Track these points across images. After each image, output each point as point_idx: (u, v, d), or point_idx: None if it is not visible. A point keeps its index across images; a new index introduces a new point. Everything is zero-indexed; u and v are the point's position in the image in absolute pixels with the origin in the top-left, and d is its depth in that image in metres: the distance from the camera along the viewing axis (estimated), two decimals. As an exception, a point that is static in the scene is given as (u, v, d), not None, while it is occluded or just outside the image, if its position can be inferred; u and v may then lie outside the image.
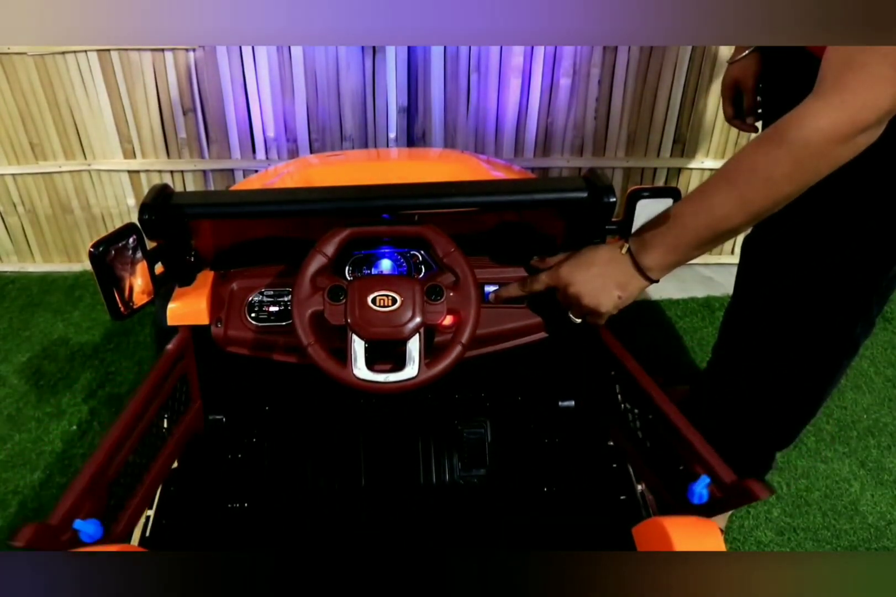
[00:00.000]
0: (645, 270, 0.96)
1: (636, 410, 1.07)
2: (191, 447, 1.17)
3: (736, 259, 1.32)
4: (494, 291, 1.12)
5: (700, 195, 0.91)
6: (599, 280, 0.98)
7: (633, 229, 1.08)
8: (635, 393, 1.04)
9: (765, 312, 1.26)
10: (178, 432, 1.12)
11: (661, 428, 0.99)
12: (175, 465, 1.17)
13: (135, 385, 1.83)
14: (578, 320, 1.05)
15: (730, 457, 1.43)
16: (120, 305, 1.01)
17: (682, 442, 0.93)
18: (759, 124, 1.31)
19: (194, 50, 1.92)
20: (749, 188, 0.87)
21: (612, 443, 1.18)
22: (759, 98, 1.27)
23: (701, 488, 0.87)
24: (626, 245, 0.98)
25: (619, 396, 1.12)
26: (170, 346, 1.09)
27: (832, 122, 0.79)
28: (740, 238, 1.33)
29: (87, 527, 0.83)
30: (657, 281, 0.98)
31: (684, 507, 0.89)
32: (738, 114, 1.30)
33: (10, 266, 2.32)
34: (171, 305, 1.10)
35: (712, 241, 0.92)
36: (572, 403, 1.25)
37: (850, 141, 0.80)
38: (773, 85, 1.19)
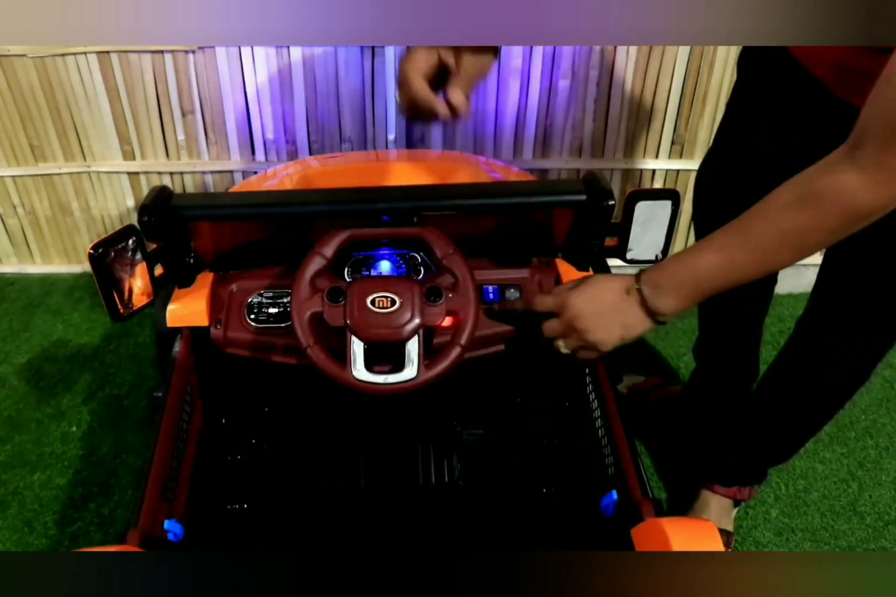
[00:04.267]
0: (655, 313, 0.92)
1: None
2: None
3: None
4: (497, 303, 1.11)
5: (721, 250, 0.87)
6: (610, 318, 0.94)
7: (632, 232, 1.09)
8: (598, 399, 1.06)
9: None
10: (192, 434, 1.13)
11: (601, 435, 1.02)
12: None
13: (135, 387, 1.83)
14: (565, 351, 1.00)
15: (724, 467, 1.44)
16: (119, 307, 1.02)
17: (615, 455, 0.96)
18: None
19: (193, 52, 1.93)
20: (776, 251, 0.83)
21: None
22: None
23: (609, 502, 0.91)
24: (637, 285, 0.93)
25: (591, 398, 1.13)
26: (178, 349, 1.10)
27: (873, 199, 0.75)
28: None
29: (174, 527, 0.88)
30: (664, 323, 0.94)
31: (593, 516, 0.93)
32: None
33: (10, 267, 2.32)
34: (170, 307, 1.11)
35: (726, 289, 0.89)
36: (570, 404, 1.26)
37: (889, 207, 0.77)
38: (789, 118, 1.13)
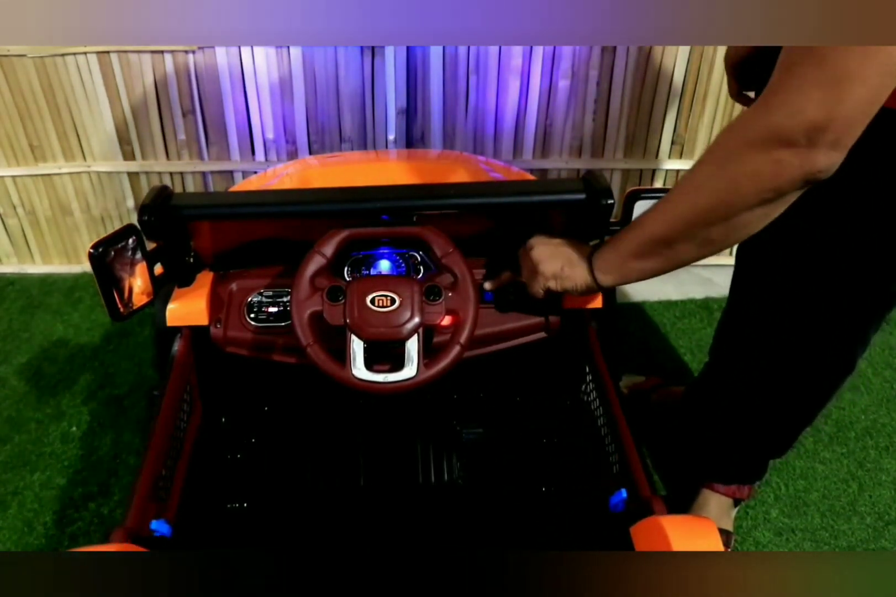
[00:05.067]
0: (591, 261, 0.96)
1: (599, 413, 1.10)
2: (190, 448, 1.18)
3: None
4: (490, 281, 1.13)
5: (651, 209, 0.90)
6: (557, 247, 1.01)
7: None
8: (600, 397, 1.07)
9: (761, 325, 1.24)
10: (189, 433, 1.13)
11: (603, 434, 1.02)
12: None
13: (135, 387, 1.83)
14: (521, 279, 1.06)
15: (723, 463, 1.44)
16: (119, 306, 1.02)
17: (620, 452, 0.97)
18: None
19: (193, 52, 1.93)
20: (678, 193, 0.84)
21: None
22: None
23: (618, 500, 0.93)
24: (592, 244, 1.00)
25: (592, 397, 1.13)
26: (178, 348, 1.10)
27: (748, 124, 0.74)
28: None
29: (161, 527, 0.89)
30: (598, 287, 0.97)
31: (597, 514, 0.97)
32: (743, 88, 1.23)
33: (10, 267, 2.32)
34: (170, 306, 1.11)
35: (648, 251, 0.89)
36: (570, 403, 1.26)
37: (769, 153, 0.72)
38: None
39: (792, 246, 1.11)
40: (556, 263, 1.00)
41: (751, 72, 1.21)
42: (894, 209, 0.98)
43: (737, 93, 1.25)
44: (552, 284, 1.01)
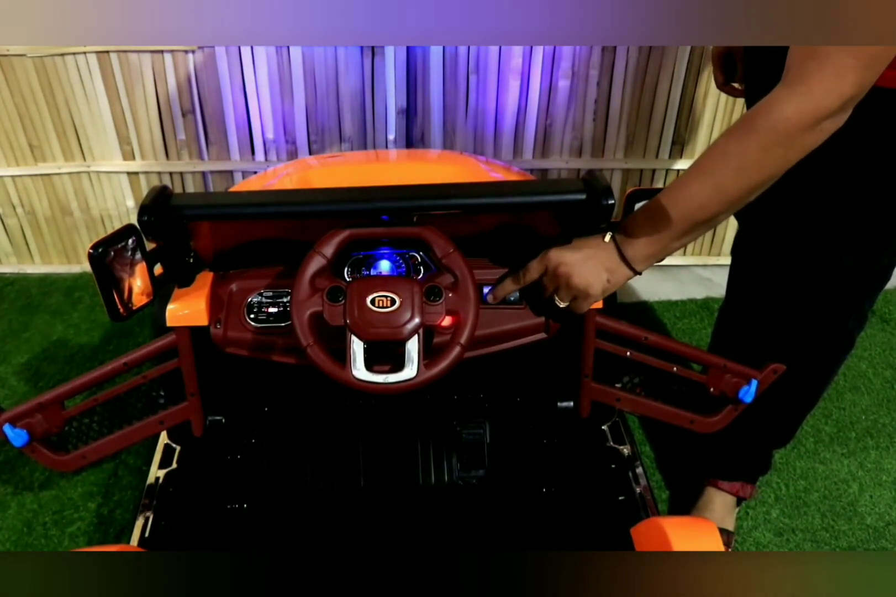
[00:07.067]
0: (629, 260, 0.98)
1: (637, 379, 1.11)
2: (190, 448, 1.18)
3: (734, 260, 1.33)
4: (490, 290, 1.12)
5: (677, 186, 0.94)
6: (590, 262, 1.00)
7: None
8: (660, 354, 1.08)
9: (758, 311, 1.27)
10: (152, 419, 1.15)
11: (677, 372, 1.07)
12: (173, 465, 1.17)
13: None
14: (564, 305, 1.04)
15: (728, 457, 1.44)
16: (119, 307, 1.02)
17: (714, 368, 1.04)
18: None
19: (193, 52, 1.93)
20: (721, 177, 0.89)
21: (611, 444, 1.18)
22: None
23: (753, 390, 1.01)
24: (611, 234, 1.00)
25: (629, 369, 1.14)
26: (166, 340, 1.11)
27: (797, 110, 0.82)
28: (730, 238, 1.33)
29: (12, 433, 1.00)
30: (640, 273, 0.99)
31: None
32: (728, 80, 1.32)
33: (10, 268, 2.32)
34: (170, 306, 1.10)
35: (690, 231, 0.94)
36: (571, 404, 1.26)
37: (816, 127, 0.83)
38: (754, 64, 1.19)
39: (786, 224, 1.15)
40: (600, 278, 0.99)
41: (735, 63, 1.28)
42: (882, 183, 1.03)
43: (722, 83, 1.33)
44: (601, 298, 1.02)
